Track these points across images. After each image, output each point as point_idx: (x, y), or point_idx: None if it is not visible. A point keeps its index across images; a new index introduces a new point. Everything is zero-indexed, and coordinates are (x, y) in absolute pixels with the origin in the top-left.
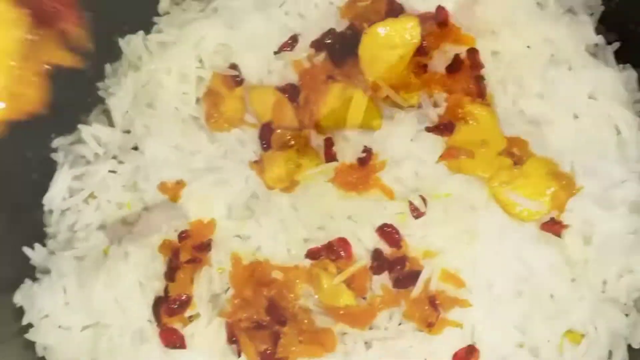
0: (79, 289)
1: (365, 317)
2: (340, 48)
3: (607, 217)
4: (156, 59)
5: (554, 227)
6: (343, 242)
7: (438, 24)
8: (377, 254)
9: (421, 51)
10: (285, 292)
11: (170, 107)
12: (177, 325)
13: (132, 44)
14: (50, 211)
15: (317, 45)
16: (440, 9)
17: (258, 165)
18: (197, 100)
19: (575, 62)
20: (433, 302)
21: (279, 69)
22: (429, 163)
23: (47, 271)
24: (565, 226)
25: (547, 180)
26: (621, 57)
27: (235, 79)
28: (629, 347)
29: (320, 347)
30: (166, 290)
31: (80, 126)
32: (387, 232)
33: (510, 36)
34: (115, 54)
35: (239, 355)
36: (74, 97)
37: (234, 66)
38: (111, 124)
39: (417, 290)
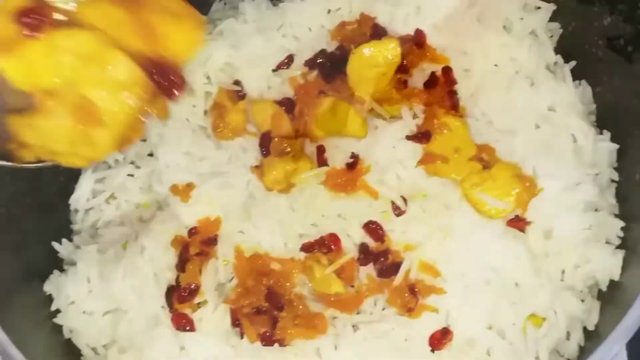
0: (101, 279)
1: (353, 303)
2: (331, 66)
3: (565, 214)
4: None
5: (518, 223)
6: (333, 237)
7: (416, 45)
8: (363, 248)
9: (402, 69)
10: (282, 281)
11: (182, 118)
12: (187, 310)
13: None
14: (76, 210)
15: (310, 63)
16: (418, 32)
17: (258, 169)
18: (205, 112)
19: (537, 79)
20: (412, 289)
21: (277, 84)
22: (409, 167)
23: (73, 263)
24: (528, 223)
25: (512, 182)
26: (577, 75)
27: (238, 94)
28: (585, 329)
29: (313, 330)
30: (177, 280)
31: None
32: (372, 228)
33: (479, 56)
34: None
35: (242, 337)
36: None
37: (237, 82)
38: None
39: (398, 279)
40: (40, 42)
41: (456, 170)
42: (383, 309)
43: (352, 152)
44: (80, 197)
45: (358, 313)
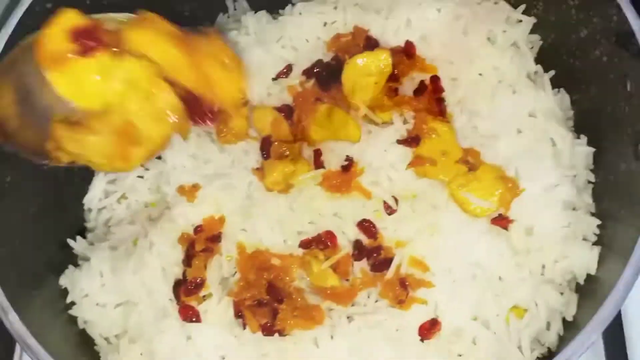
0: (113, 273)
1: (348, 296)
2: (327, 75)
3: (545, 213)
4: None
5: (501, 221)
6: (330, 235)
7: (406, 55)
8: (357, 244)
9: (393, 78)
10: (282, 275)
11: None
12: (193, 303)
13: None
14: (89, 209)
15: (308, 73)
16: (408, 43)
17: (259, 171)
18: None
19: (519, 87)
20: (403, 283)
21: (277, 92)
22: (399, 169)
23: (86, 259)
24: (511, 221)
25: (495, 183)
26: (556, 83)
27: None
28: (564, 319)
29: (311, 321)
30: (184, 274)
31: None
32: (366, 226)
33: (465, 66)
34: None
35: (244, 328)
36: None
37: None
38: None
39: (390, 273)
40: (92, 63)
41: (444, 172)
42: (376, 301)
43: (347, 155)
44: (94, 197)
45: (353, 305)
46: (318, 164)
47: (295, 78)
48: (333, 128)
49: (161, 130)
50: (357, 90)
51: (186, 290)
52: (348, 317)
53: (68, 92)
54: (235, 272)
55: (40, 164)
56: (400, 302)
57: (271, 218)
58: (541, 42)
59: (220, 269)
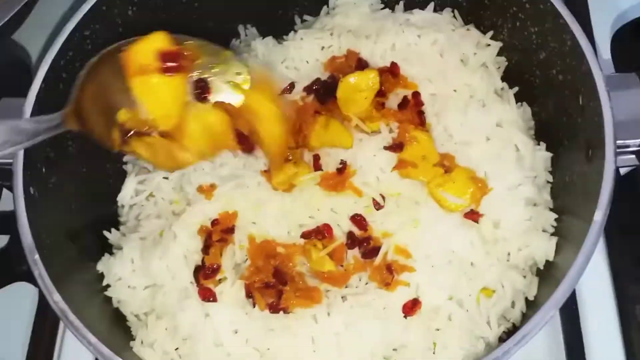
0: (142, 260)
1: (342, 279)
2: (324, 92)
3: (510, 209)
4: None
5: (473, 216)
6: (327, 227)
7: (392, 74)
8: (350, 235)
9: (380, 94)
10: (286, 261)
11: None
12: (210, 285)
13: None
14: (122, 206)
15: (308, 89)
16: (393, 64)
17: (267, 173)
18: None
19: (487, 101)
20: (389, 268)
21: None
22: (386, 171)
23: (120, 247)
24: (481, 215)
25: (468, 183)
26: (519, 98)
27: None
28: (526, 299)
29: (310, 300)
30: (203, 261)
31: None
32: (358, 220)
33: (442, 83)
34: None
35: (254, 306)
36: None
37: None
38: None
39: (378, 260)
40: (168, 80)
41: (423, 173)
42: (366, 284)
43: (342, 160)
44: (126, 195)
45: (346, 287)
46: (317, 167)
47: (297, 94)
48: (329, 136)
49: (212, 154)
50: (350, 104)
51: (204, 274)
52: (342, 297)
53: (142, 97)
54: (247, 259)
55: (107, 149)
56: (387, 284)
57: (277, 213)
58: (507, 63)
59: (234, 257)
